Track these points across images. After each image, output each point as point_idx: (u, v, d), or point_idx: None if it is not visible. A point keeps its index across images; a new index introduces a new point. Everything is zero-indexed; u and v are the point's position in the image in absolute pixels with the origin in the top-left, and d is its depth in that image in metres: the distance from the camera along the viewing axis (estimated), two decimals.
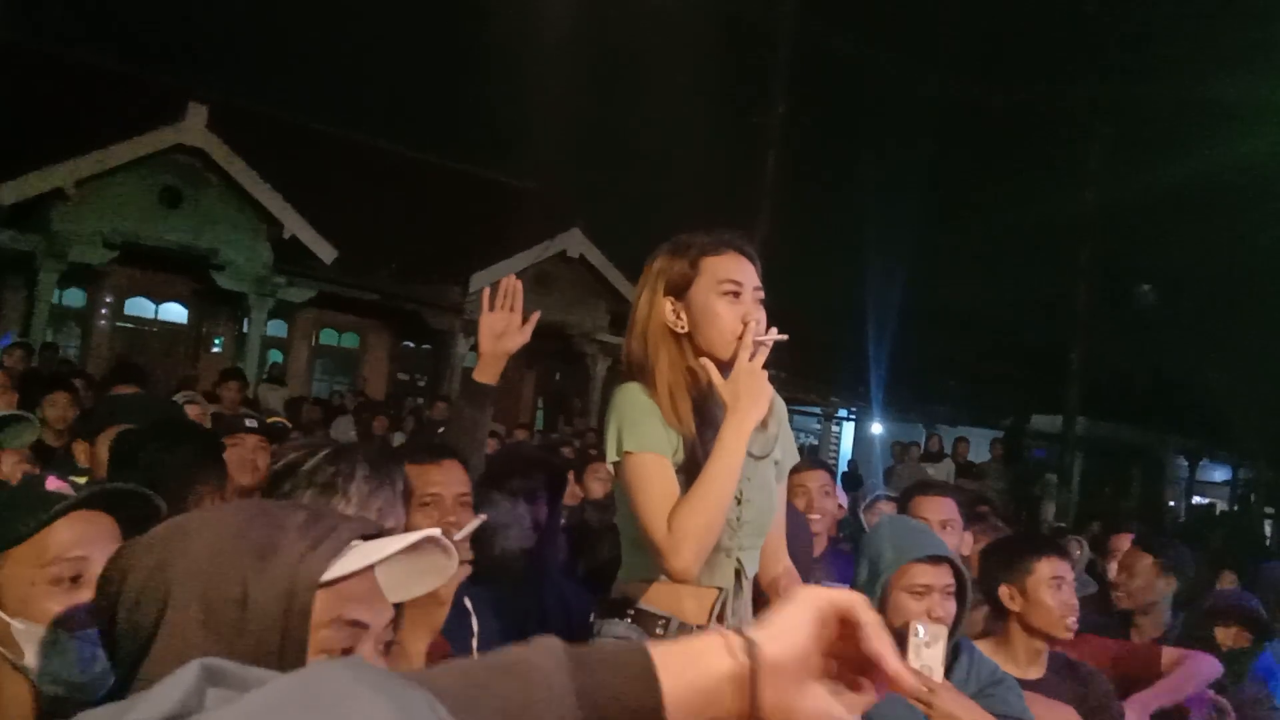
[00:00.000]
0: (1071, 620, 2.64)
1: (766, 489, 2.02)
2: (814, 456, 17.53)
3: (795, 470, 3.37)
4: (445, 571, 1.12)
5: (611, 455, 1.95)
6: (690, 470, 1.91)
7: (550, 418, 17.40)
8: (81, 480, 2.22)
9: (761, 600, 2.11)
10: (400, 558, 1.04)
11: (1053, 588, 2.65)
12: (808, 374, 18.06)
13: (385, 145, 17.32)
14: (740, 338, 1.91)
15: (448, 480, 2.24)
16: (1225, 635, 3.19)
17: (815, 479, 3.55)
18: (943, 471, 11.67)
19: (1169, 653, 2.94)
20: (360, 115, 17.87)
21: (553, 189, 18.45)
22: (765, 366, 1.92)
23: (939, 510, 3.26)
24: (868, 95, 17.47)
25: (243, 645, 0.94)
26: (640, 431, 1.92)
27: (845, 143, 18.50)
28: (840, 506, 4.97)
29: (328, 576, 0.99)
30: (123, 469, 2.36)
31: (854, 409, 20.56)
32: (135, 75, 14.26)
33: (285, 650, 0.96)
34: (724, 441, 1.86)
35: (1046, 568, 2.67)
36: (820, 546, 3.72)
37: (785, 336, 1.92)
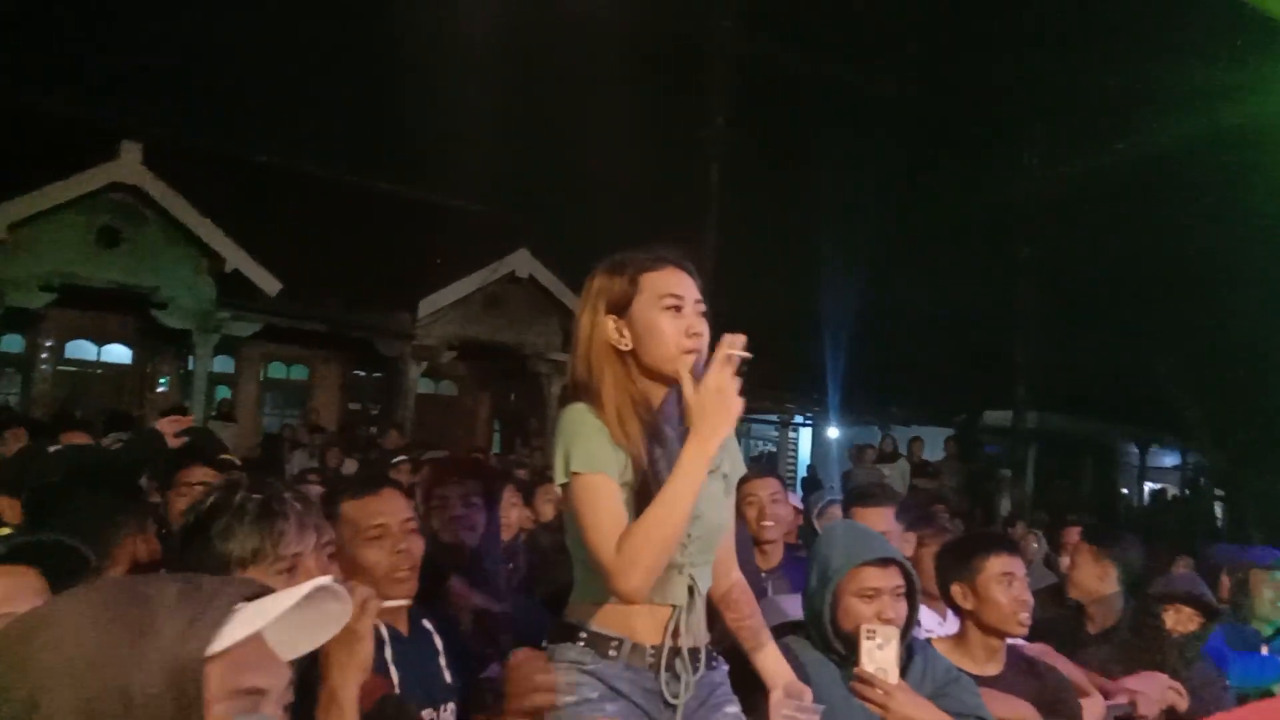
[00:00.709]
0: (1024, 615, 2.66)
1: (715, 503, 2.01)
2: (763, 465, 17.65)
3: (745, 480, 3.40)
4: (339, 618, 1.07)
5: (560, 477, 1.93)
6: (640, 490, 1.90)
7: (507, 439, 17.31)
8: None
9: (713, 614, 2.11)
10: (293, 609, 0.99)
11: (1003, 584, 2.67)
12: (763, 383, 18.14)
13: (325, 173, 17.16)
14: (711, 354, 1.89)
15: (390, 509, 2.23)
16: (1175, 620, 3.23)
17: (765, 487, 3.58)
18: (898, 472, 11.77)
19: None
20: (298, 144, 17.65)
21: (498, 210, 18.39)
22: None
23: (877, 522, 3.29)
24: (807, 103, 17.62)
25: None
26: (588, 452, 1.90)
27: (788, 152, 18.64)
28: (797, 512, 5.00)
29: (214, 649, 0.93)
30: (42, 521, 2.30)
31: (810, 415, 20.68)
32: (66, 115, 13.99)
33: None
34: (682, 463, 1.83)
35: (996, 564, 2.69)
36: (778, 554, 3.74)
37: (750, 355, 1.89)
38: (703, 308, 1.98)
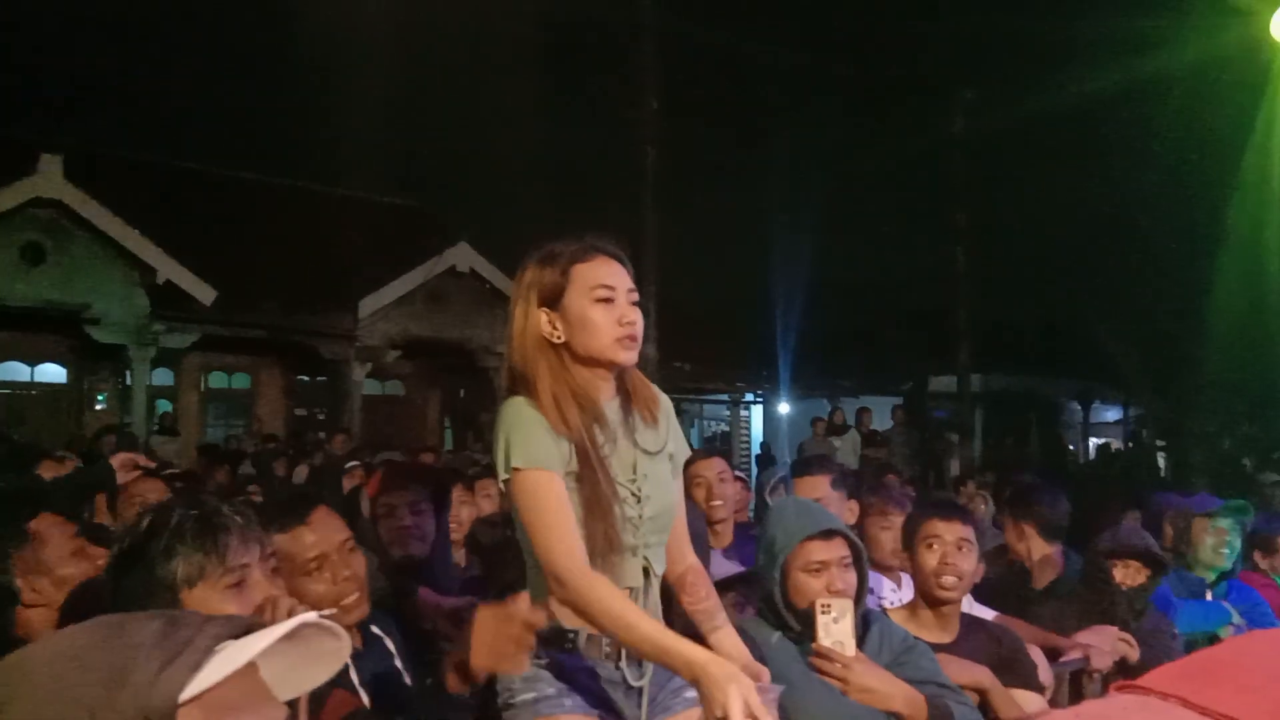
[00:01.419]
0: (947, 579, 2.65)
1: (664, 485, 2.01)
2: (715, 445, 17.72)
3: (690, 462, 3.38)
4: (339, 654, 1.03)
5: (501, 473, 1.92)
6: (585, 478, 1.89)
7: (459, 436, 17.18)
8: None
9: (669, 596, 2.10)
10: (286, 646, 0.95)
11: (925, 548, 2.70)
12: (712, 363, 18.23)
13: (253, 176, 16.86)
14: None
15: (324, 535, 2.16)
16: (1124, 574, 3.28)
17: (712, 467, 3.58)
18: (849, 443, 11.88)
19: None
20: (223, 148, 17.37)
21: (434, 205, 18.21)
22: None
23: (813, 490, 3.33)
24: (738, 79, 17.65)
25: None
26: (528, 446, 1.88)
27: (723, 131, 18.69)
28: (747, 489, 5.01)
29: (188, 694, 0.88)
30: None
31: (760, 392, 20.82)
32: None
33: None
34: (660, 641, 1.72)
35: (925, 529, 2.73)
36: (729, 533, 3.75)
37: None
38: (635, 296, 1.97)
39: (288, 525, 2.13)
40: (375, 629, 2.26)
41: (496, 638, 1.76)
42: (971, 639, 2.68)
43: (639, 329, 1.93)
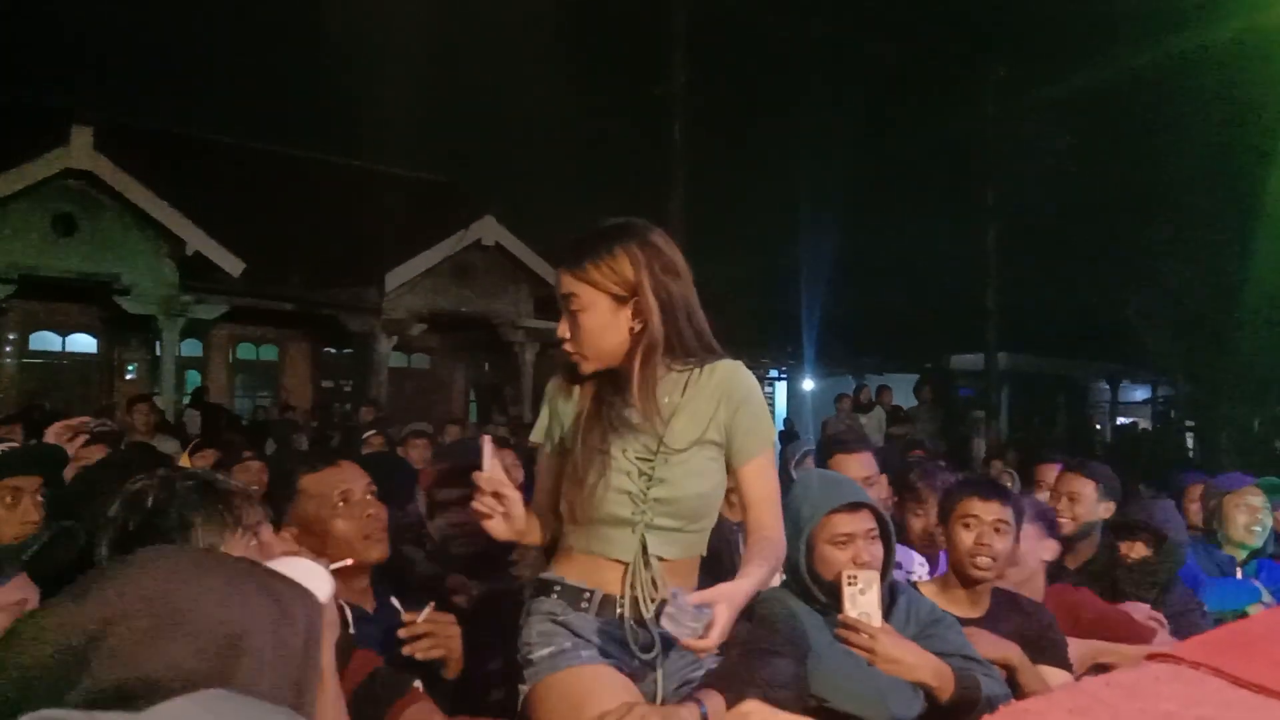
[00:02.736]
0: (982, 560, 2.63)
1: (692, 473, 1.99)
2: None
3: None
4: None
5: None
6: (571, 447, 2.01)
7: (484, 409, 17.25)
8: None
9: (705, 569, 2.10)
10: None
11: (963, 527, 2.68)
12: (737, 340, 18.15)
13: (281, 149, 16.92)
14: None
15: (350, 477, 2.28)
16: (1129, 549, 3.27)
17: None
18: (874, 420, 11.82)
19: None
20: (252, 121, 17.41)
21: (461, 179, 18.21)
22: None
23: (856, 467, 3.31)
24: (767, 56, 17.51)
25: None
26: (537, 422, 2.16)
27: (751, 106, 18.55)
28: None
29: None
30: None
31: (785, 368, 20.77)
32: (8, 102, 13.67)
33: None
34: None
35: (961, 508, 2.71)
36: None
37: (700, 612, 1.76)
38: (571, 303, 1.96)
39: (318, 466, 2.28)
40: (394, 601, 2.30)
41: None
42: (1001, 614, 2.66)
43: (573, 344, 1.98)
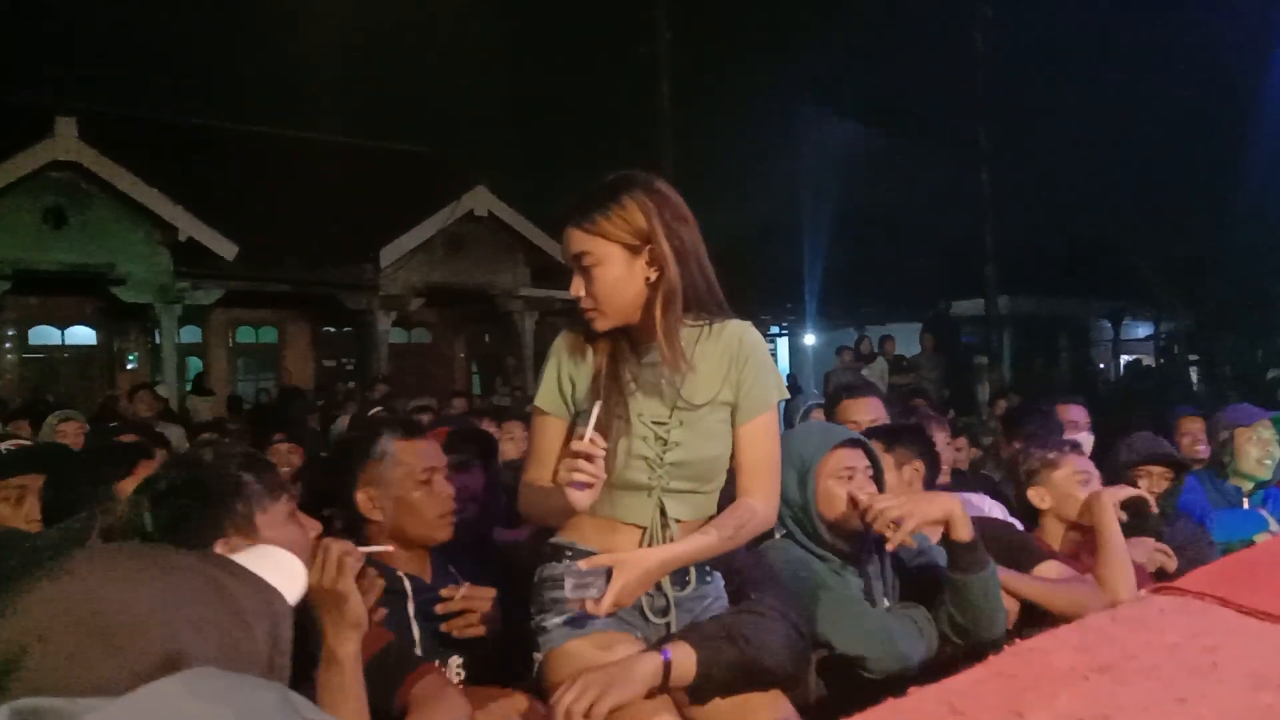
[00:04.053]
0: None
1: (705, 435, 1.98)
2: None
3: None
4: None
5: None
6: (604, 413, 1.90)
7: (486, 380, 17.28)
8: None
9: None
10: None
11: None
12: (736, 296, 18.11)
13: (269, 130, 16.81)
14: None
15: (436, 453, 2.34)
16: (1148, 483, 3.26)
17: None
18: (876, 371, 11.82)
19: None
20: (237, 103, 17.28)
21: (450, 150, 18.11)
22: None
23: (868, 411, 3.34)
24: (753, 5, 17.35)
25: None
26: (540, 386, 2.05)
27: (739, 59, 18.39)
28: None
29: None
30: None
31: (785, 324, 20.76)
32: None
33: None
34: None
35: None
36: None
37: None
38: (585, 260, 1.92)
39: (409, 435, 2.29)
40: (451, 569, 2.32)
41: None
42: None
43: (588, 300, 1.93)
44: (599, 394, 1.93)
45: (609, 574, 1.79)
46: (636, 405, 1.94)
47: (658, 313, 1.92)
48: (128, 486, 2.56)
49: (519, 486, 2.06)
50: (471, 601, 2.16)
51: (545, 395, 2.03)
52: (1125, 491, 2.77)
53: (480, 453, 3.02)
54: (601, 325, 1.94)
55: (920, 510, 2.20)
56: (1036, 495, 2.90)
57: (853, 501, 2.27)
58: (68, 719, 0.53)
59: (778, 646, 1.90)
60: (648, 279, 1.92)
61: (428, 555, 2.29)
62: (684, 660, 1.82)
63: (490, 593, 2.20)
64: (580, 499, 1.81)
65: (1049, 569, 2.60)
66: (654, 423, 1.94)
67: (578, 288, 1.92)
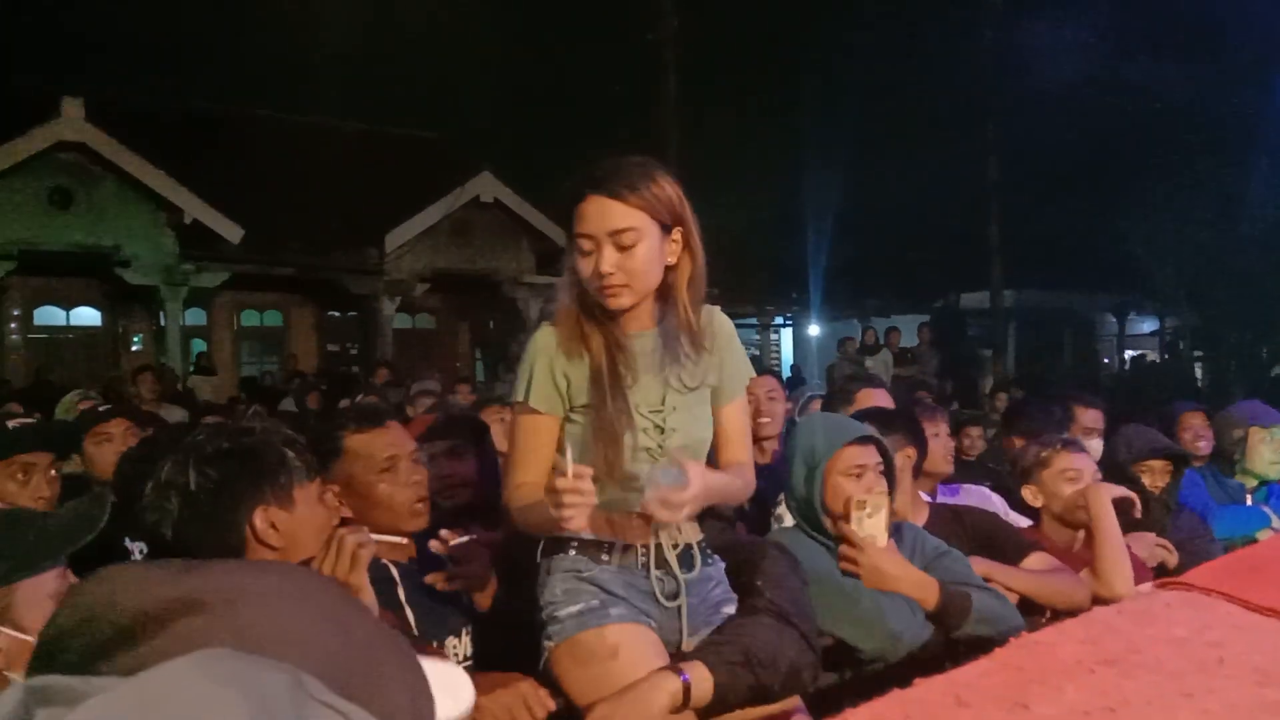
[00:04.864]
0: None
1: (695, 418, 2.00)
2: (759, 364, 17.68)
3: None
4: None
5: (514, 397, 2.02)
6: (594, 405, 1.92)
7: (491, 367, 17.27)
8: None
9: (705, 514, 2.11)
10: None
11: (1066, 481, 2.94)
12: (741, 287, 18.13)
13: (271, 114, 16.78)
14: None
15: (398, 440, 2.25)
16: (1151, 479, 3.25)
17: (762, 385, 3.63)
18: (880, 362, 11.81)
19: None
20: (242, 88, 17.26)
21: (455, 136, 18.06)
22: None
23: (887, 399, 3.37)
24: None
25: None
26: (526, 385, 1.97)
27: (748, 51, 18.33)
28: (788, 409, 5.04)
29: None
30: None
31: (790, 315, 20.73)
32: None
33: None
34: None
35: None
36: (772, 450, 3.78)
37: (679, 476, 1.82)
38: (625, 236, 1.86)
39: (366, 427, 2.22)
40: (431, 544, 2.29)
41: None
42: (939, 523, 2.71)
43: (622, 276, 1.86)
44: (602, 394, 1.91)
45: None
46: (634, 398, 1.93)
47: (684, 296, 1.94)
48: None
49: (507, 489, 2.00)
50: (463, 552, 2.12)
51: (538, 394, 1.95)
52: (1115, 491, 2.77)
53: (471, 438, 3.01)
54: (624, 303, 1.90)
55: (874, 566, 2.25)
56: (1030, 493, 2.92)
57: (846, 507, 2.31)
58: (79, 697, 0.53)
59: (790, 667, 1.88)
60: (667, 261, 1.92)
61: (411, 542, 2.26)
62: (702, 683, 1.81)
63: (482, 550, 2.16)
64: (577, 525, 1.78)
65: (1035, 560, 2.62)
66: (651, 412, 1.95)
67: (609, 263, 1.85)
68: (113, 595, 0.67)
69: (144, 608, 0.65)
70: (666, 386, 1.96)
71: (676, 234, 1.92)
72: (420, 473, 2.24)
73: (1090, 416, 3.80)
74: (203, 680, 0.53)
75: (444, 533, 2.14)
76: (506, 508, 1.99)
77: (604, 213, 1.86)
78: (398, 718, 0.72)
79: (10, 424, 2.88)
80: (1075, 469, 2.85)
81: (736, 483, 2.04)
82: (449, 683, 0.89)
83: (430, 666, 0.85)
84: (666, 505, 1.76)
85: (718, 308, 2.08)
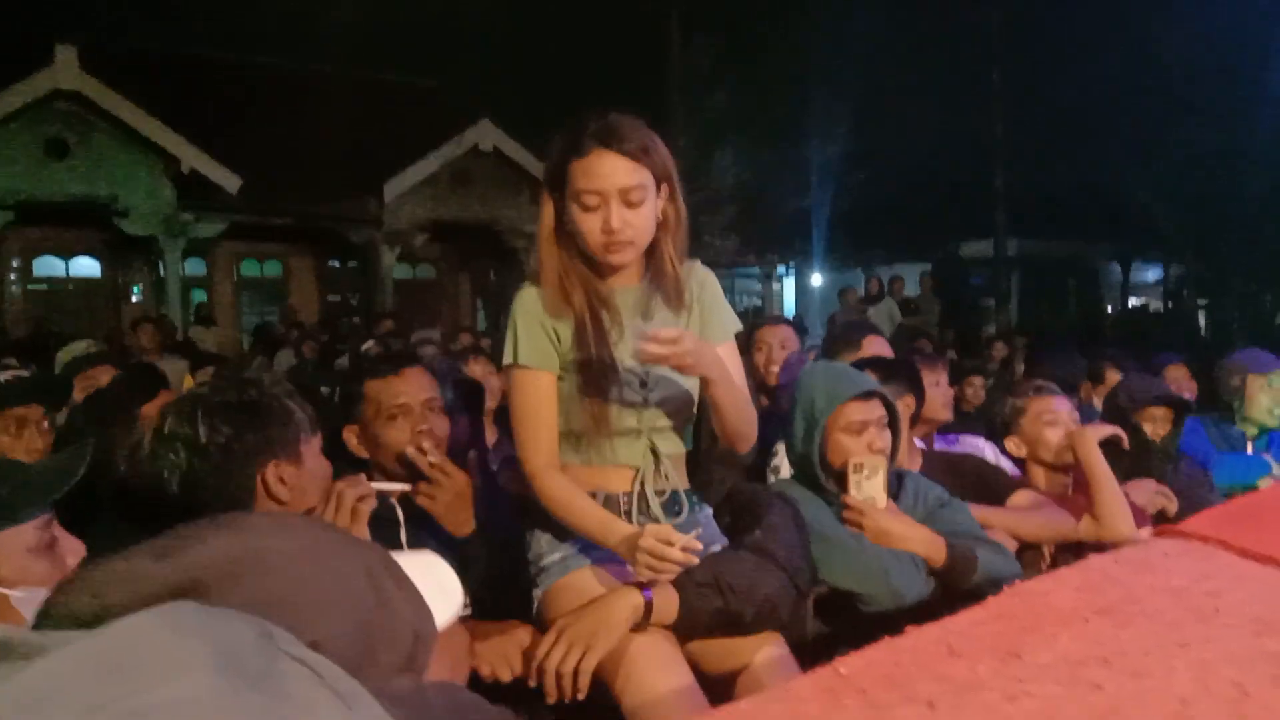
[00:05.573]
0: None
1: (677, 373, 1.99)
2: (775, 314, 17.64)
3: (758, 326, 3.63)
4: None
5: (505, 360, 2.01)
6: (580, 361, 1.93)
7: (493, 316, 17.25)
8: None
9: (696, 466, 2.10)
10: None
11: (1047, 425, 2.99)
12: (744, 236, 18.04)
13: (271, 62, 16.58)
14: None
15: (412, 388, 2.25)
16: (1152, 427, 3.23)
17: (775, 334, 3.62)
18: (884, 312, 11.75)
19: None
20: (238, 34, 17.01)
21: (455, 84, 17.86)
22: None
23: (881, 348, 3.36)
24: None
25: None
26: (521, 343, 1.96)
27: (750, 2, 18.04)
28: (804, 358, 5.04)
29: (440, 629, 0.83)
30: None
31: (792, 264, 20.64)
32: None
33: None
34: (598, 527, 1.87)
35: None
36: (786, 401, 3.79)
37: (674, 340, 1.78)
38: (634, 194, 1.87)
39: (382, 374, 2.25)
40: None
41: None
42: (933, 470, 2.71)
43: (629, 233, 1.87)
44: (586, 349, 1.92)
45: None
46: (619, 352, 1.95)
47: (669, 249, 1.96)
48: (150, 411, 2.59)
49: (526, 455, 1.96)
50: (439, 473, 2.11)
51: (532, 351, 1.95)
52: (1101, 431, 2.76)
53: (464, 401, 3.00)
54: (627, 259, 1.92)
55: (881, 529, 2.23)
56: (1013, 445, 2.95)
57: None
58: (38, 650, 0.52)
59: (765, 599, 1.88)
60: (657, 216, 1.93)
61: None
62: (665, 603, 1.81)
63: (462, 478, 2.15)
64: (646, 579, 1.80)
65: (1021, 498, 2.63)
66: (636, 366, 1.95)
67: (619, 219, 1.86)
68: (102, 601, 0.65)
69: (148, 598, 0.63)
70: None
71: (664, 190, 1.93)
72: (432, 422, 2.24)
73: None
74: (165, 631, 0.52)
75: (426, 444, 2.14)
76: (526, 471, 1.96)
77: (615, 170, 1.86)
78: (405, 644, 0.75)
79: (2, 377, 2.87)
80: (1052, 411, 2.86)
81: (745, 395, 2.02)
82: (436, 583, 0.91)
83: (413, 567, 0.86)
84: (658, 342, 1.75)
85: (698, 261, 2.08)
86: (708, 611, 1.83)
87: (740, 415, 2.00)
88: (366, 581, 0.76)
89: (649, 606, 1.79)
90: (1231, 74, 14.03)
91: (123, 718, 0.45)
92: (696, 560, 1.77)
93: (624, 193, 1.86)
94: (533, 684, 1.77)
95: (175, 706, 0.46)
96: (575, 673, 1.73)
